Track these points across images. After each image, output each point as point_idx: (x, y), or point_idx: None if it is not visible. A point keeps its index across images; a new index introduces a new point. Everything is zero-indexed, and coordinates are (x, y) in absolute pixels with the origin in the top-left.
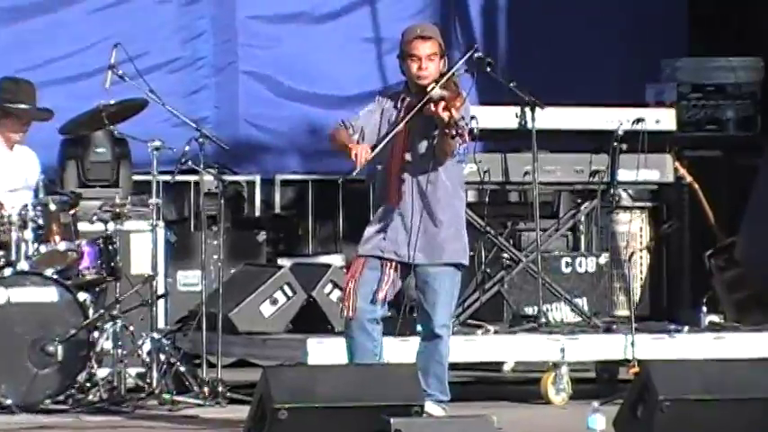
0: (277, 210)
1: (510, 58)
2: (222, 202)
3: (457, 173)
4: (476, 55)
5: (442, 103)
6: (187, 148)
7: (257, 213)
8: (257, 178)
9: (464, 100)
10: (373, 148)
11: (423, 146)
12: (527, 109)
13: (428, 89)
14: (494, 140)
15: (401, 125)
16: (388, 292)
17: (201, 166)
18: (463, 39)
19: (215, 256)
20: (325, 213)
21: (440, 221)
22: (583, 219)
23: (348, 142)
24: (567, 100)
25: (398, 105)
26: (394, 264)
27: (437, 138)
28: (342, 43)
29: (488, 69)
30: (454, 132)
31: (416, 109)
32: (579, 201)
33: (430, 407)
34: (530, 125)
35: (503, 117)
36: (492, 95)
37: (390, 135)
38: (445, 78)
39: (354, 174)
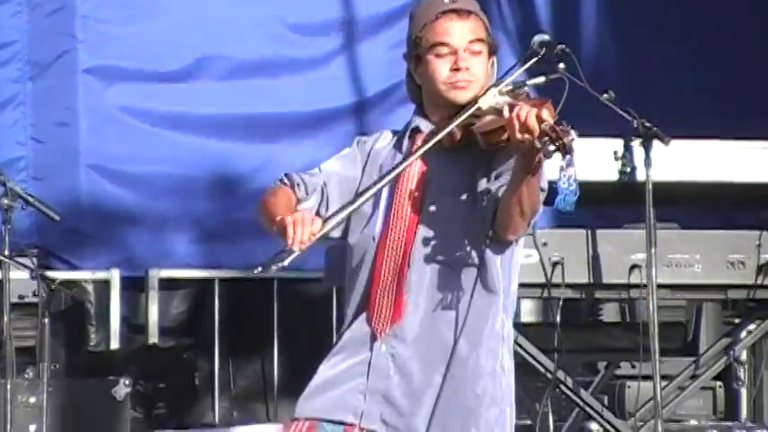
0: (152, 337)
1: (600, 58)
2: (47, 321)
3: (513, 268)
4: (539, 38)
5: (517, 109)
6: None
7: (114, 344)
8: (114, 275)
9: (553, 108)
10: (331, 217)
11: (456, 214)
12: (635, 144)
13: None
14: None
15: (411, 160)
16: None
17: (7, 251)
18: (515, 23)
19: (32, 428)
20: (247, 343)
21: (477, 364)
22: (744, 356)
23: (283, 212)
24: (708, 130)
25: (404, 145)
26: None
27: (513, 174)
28: (269, 17)
29: (561, 65)
30: (552, 147)
31: (455, 124)
32: (737, 321)
33: None
34: (641, 175)
35: (590, 159)
36: (568, 120)
37: (379, 186)
38: (509, 80)
39: (282, 264)
